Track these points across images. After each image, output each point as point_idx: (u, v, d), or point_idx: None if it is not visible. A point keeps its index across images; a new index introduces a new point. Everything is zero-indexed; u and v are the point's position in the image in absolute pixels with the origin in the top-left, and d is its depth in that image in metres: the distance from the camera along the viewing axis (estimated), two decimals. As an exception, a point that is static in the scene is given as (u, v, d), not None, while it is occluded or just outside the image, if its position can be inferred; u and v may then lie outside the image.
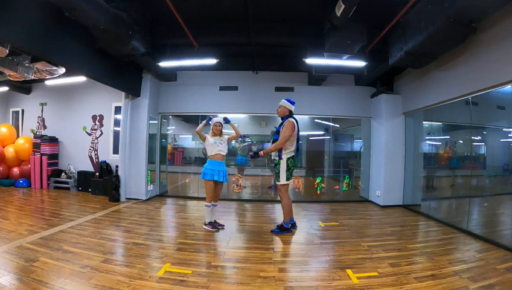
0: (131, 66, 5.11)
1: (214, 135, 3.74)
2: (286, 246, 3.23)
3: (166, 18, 4.09)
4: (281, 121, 3.66)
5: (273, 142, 3.58)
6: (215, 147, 3.65)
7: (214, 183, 3.60)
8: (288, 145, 3.51)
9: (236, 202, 5.69)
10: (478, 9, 2.83)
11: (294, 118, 3.57)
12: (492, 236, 3.36)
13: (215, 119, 3.77)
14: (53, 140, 6.62)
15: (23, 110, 7.26)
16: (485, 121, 4.01)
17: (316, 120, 6.59)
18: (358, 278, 2.38)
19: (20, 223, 3.70)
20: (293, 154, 3.56)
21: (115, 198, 5.28)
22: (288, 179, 3.55)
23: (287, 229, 3.60)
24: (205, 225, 3.72)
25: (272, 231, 3.63)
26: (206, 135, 3.77)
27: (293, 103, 3.65)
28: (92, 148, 6.60)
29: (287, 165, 3.52)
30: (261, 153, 3.63)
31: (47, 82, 6.25)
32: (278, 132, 3.56)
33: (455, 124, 4.77)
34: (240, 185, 6.12)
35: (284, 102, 3.65)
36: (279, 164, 3.56)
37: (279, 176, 3.57)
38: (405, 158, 5.44)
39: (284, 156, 3.53)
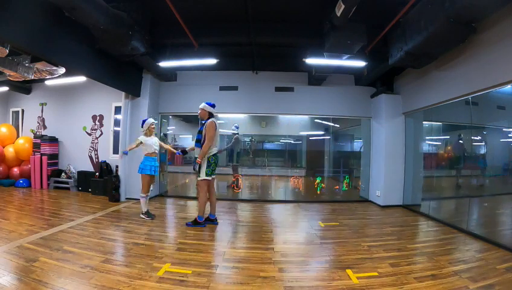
0: (131, 66, 5.11)
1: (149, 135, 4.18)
2: (286, 246, 3.23)
3: (166, 18, 4.08)
4: (202, 122, 3.92)
5: (196, 142, 3.86)
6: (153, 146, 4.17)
7: (150, 177, 4.09)
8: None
9: (236, 202, 5.70)
10: (478, 9, 2.83)
11: (214, 119, 3.83)
12: (493, 236, 3.36)
13: (151, 120, 4.22)
14: (53, 140, 6.61)
15: (23, 110, 7.26)
16: (485, 121, 4.01)
17: (316, 120, 6.60)
18: (358, 278, 2.38)
19: (20, 223, 3.69)
20: (216, 152, 3.83)
21: (115, 198, 5.28)
22: (208, 174, 3.76)
23: (199, 223, 3.82)
24: (142, 214, 4.15)
25: (186, 224, 3.86)
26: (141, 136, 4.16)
27: (212, 106, 3.88)
28: (92, 148, 6.60)
29: (208, 162, 3.76)
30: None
31: (47, 82, 6.25)
32: (200, 132, 3.81)
33: (455, 124, 4.76)
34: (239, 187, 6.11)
35: (203, 105, 3.87)
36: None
37: (199, 172, 3.77)
38: (405, 158, 5.44)
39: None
